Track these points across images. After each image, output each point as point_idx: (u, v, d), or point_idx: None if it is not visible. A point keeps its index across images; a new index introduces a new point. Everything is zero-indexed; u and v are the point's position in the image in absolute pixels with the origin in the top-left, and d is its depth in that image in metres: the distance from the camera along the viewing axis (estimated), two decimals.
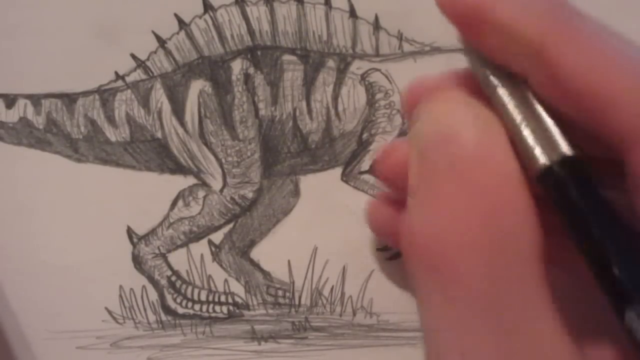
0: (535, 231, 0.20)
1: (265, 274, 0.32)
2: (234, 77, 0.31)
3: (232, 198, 0.31)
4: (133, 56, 0.31)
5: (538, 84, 0.20)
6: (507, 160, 0.20)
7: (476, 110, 0.21)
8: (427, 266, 0.20)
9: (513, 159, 0.20)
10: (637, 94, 0.19)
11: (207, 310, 0.32)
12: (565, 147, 0.20)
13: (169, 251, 0.32)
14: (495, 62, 0.21)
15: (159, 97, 0.31)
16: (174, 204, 0.31)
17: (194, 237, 0.32)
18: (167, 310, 0.32)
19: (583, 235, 0.19)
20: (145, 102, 0.31)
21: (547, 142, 0.20)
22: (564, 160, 0.19)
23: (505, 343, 0.19)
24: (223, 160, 0.31)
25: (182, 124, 0.31)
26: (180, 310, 0.32)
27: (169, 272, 0.32)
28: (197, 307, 0.32)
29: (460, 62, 0.30)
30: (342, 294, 0.32)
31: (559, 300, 0.20)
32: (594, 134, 0.19)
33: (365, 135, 0.31)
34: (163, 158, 0.31)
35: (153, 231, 0.31)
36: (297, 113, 0.31)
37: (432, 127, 0.21)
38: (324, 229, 0.31)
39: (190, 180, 0.31)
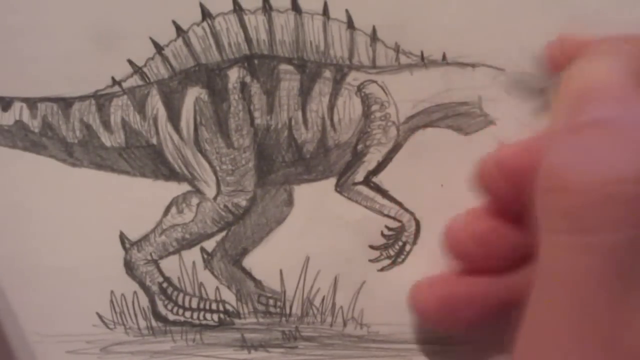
0: None
1: (257, 283, 0.32)
2: (230, 85, 0.31)
3: (225, 206, 0.31)
4: (130, 62, 0.31)
5: None
6: None
7: (631, 66, 0.22)
8: (565, 209, 0.20)
9: None
10: None
11: (198, 318, 0.32)
12: None
13: (161, 258, 0.32)
14: None
15: (155, 103, 0.31)
16: (167, 210, 0.31)
17: (186, 244, 0.32)
18: (158, 316, 0.32)
19: None
20: (141, 108, 0.31)
21: None
22: None
23: (626, 306, 0.19)
24: (217, 168, 0.31)
25: (178, 130, 0.31)
26: (171, 317, 0.32)
27: (161, 279, 0.32)
28: (187, 314, 0.32)
29: (456, 75, 0.31)
30: (333, 304, 0.32)
31: None
32: None
33: (360, 147, 0.31)
34: (157, 164, 0.31)
35: (145, 237, 0.31)
36: (293, 123, 0.31)
37: (587, 80, 0.22)
38: (316, 239, 0.31)
39: (184, 187, 0.31)
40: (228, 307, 0.32)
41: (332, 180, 0.31)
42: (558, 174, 0.21)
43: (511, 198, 0.26)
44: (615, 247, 0.19)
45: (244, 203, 0.31)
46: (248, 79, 0.31)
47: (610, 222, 0.19)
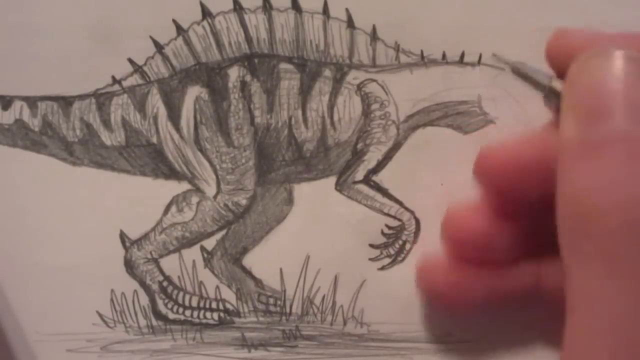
0: None
1: (257, 282, 0.32)
2: (230, 84, 0.31)
3: (225, 205, 0.31)
4: (130, 61, 0.31)
5: None
6: None
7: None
8: (594, 234, 0.20)
9: None
10: None
11: (198, 316, 0.32)
12: None
13: (161, 256, 0.32)
14: None
15: (155, 102, 0.31)
16: (167, 209, 0.31)
17: (186, 242, 0.32)
18: (158, 315, 0.32)
19: None
20: (141, 107, 0.31)
21: None
22: None
23: None
24: (217, 167, 0.31)
25: (178, 129, 0.31)
26: (171, 316, 0.32)
27: (161, 277, 0.32)
28: (188, 312, 0.32)
29: (456, 74, 0.31)
30: (333, 303, 0.32)
31: None
32: None
33: (359, 145, 0.31)
34: (158, 163, 0.31)
35: (146, 236, 0.31)
36: (293, 121, 0.31)
37: (599, 85, 0.21)
38: (316, 237, 0.31)
39: (184, 186, 0.31)
40: (228, 306, 0.32)
41: (332, 179, 0.31)
42: (583, 198, 0.20)
43: (510, 193, 0.26)
44: None
45: (244, 202, 0.31)
46: (248, 77, 0.31)
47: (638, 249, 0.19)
